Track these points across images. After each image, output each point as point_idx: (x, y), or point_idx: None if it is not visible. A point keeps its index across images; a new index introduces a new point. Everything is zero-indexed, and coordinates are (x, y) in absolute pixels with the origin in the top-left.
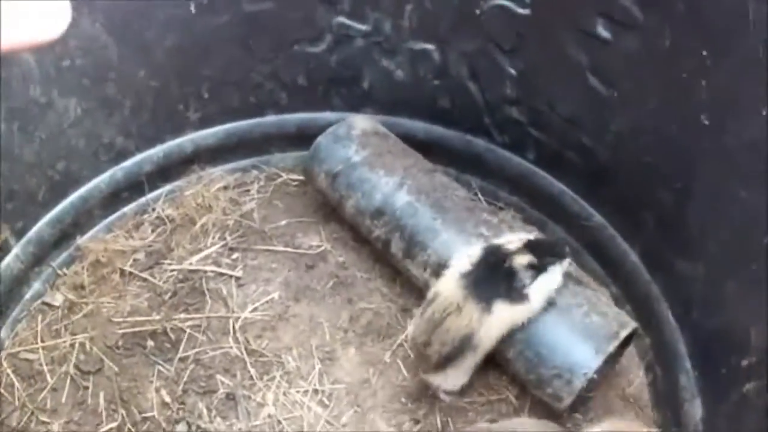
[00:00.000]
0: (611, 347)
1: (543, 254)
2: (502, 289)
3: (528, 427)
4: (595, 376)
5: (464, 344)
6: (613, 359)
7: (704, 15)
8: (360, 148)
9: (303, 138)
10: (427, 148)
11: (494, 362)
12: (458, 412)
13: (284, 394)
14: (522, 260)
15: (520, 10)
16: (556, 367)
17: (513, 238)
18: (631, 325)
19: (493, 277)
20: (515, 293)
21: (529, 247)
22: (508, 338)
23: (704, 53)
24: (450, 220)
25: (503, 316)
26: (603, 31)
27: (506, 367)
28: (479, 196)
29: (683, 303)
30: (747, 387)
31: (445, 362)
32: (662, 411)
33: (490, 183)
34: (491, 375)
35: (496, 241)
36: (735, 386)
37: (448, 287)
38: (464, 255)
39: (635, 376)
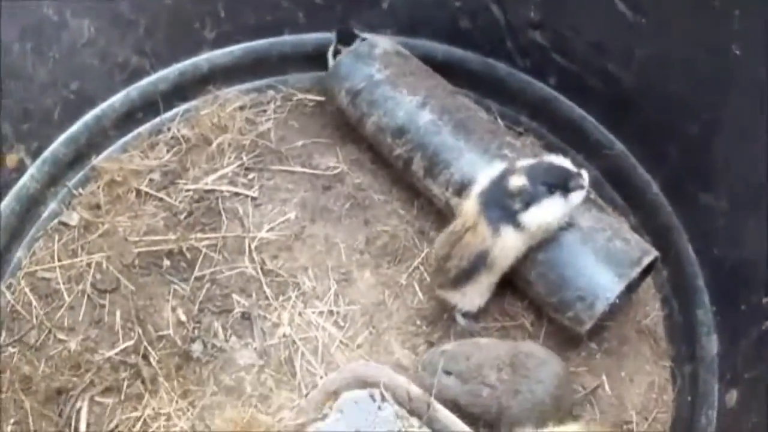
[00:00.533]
0: (634, 273)
1: (544, 182)
2: (507, 213)
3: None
4: (617, 300)
5: (479, 261)
6: (631, 288)
7: None
8: (382, 66)
9: (320, 58)
10: (446, 70)
11: (511, 287)
12: (472, 336)
13: (299, 314)
14: (516, 182)
15: None
16: (579, 290)
17: (528, 162)
18: (653, 253)
19: (501, 200)
20: (513, 219)
21: (531, 172)
22: (529, 261)
23: None
24: (474, 141)
25: (509, 239)
26: None
27: (526, 291)
28: (499, 120)
29: (704, 237)
30: (767, 324)
31: (462, 278)
32: (677, 345)
33: (511, 108)
34: (507, 301)
35: (518, 163)
36: (754, 324)
37: (469, 203)
38: (487, 173)
39: (651, 309)
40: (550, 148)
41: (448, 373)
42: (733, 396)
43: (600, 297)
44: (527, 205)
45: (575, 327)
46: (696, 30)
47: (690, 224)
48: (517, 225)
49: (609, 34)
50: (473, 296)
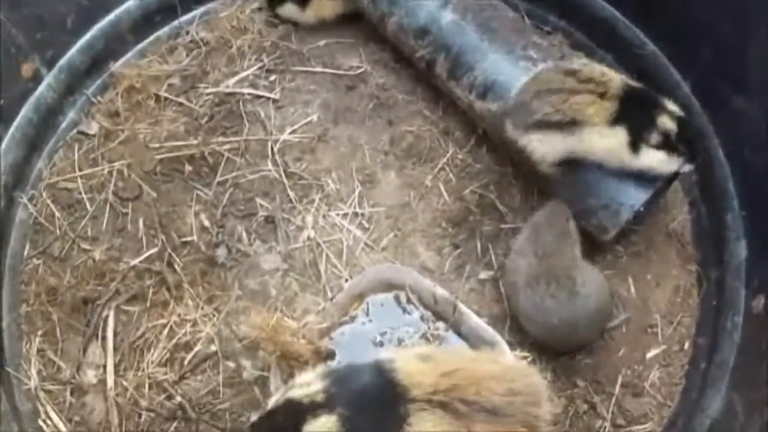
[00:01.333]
0: (660, 181)
1: (683, 141)
2: (638, 131)
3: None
4: (641, 209)
5: (578, 126)
6: (658, 194)
7: None
8: None
9: None
10: None
11: (538, 190)
12: (497, 238)
13: (323, 216)
14: (667, 124)
15: None
16: (604, 198)
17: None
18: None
19: (644, 119)
20: (637, 140)
21: (683, 125)
22: (558, 166)
23: None
24: (498, 41)
25: (614, 145)
26: None
27: (552, 194)
28: (526, 19)
29: (736, 140)
30: None
31: (546, 126)
32: (704, 249)
33: (539, 7)
34: (536, 200)
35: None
36: None
37: (617, 79)
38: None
39: (679, 212)
40: (579, 48)
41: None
42: (760, 302)
43: (625, 205)
44: (657, 147)
45: (599, 235)
46: None
47: (721, 127)
48: (634, 146)
49: None
50: (545, 148)
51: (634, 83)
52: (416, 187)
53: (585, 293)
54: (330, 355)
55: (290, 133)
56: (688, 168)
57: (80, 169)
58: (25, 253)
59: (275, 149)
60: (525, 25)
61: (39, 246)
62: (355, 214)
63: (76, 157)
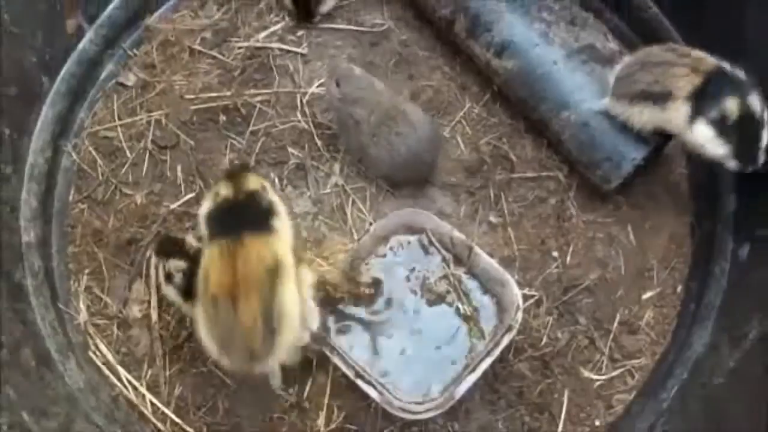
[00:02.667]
0: (659, 139)
1: (739, 134)
2: (703, 110)
3: None
4: (642, 162)
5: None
6: (658, 150)
7: None
8: None
9: None
10: None
11: (548, 143)
12: (509, 187)
13: (349, 165)
14: (731, 108)
15: None
16: (607, 151)
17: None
18: None
19: (717, 92)
20: (700, 116)
21: (746, 117)
22: (563, 121)
23: None
24: (515, 3)
25: (683, 125)
26: None
27: (559, 148)
28: None
29: None
30: None
31: (646, 97)
32: (698, 201)
33: None
34: (545, 153)
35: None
36: None
37: (710, 60)
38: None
39: (677, 166)
40: (588, 8)
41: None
42: (745, 250)
43: (627, 158)
44: (711, 124)
45: (603, 184)
46: None
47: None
48: (692, 118)
49: None
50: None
51: (729, 67)
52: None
53: (419, 122)
54: (377, 282)
55: (318, 87)
56: (734, 165)
57: (119, 119)
58: (71, 198)
59: (304, 101)
60: None
61: (83, 191)
62: None
63: (115, 107)
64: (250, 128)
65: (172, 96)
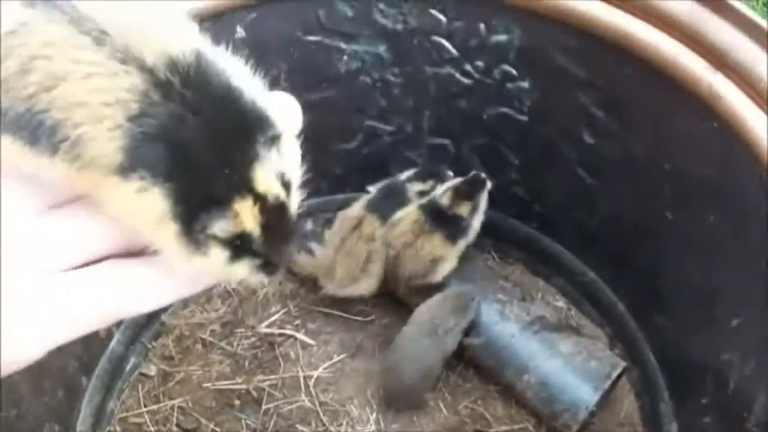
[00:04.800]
0: (606, 385)
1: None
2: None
3: None
4: (594, 409)
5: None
6: (609, 392)
7: (664, 136)
8: None
9: None
10: None
11: (515, 401)
12: None
13: None
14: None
15: (520, 117)
16: (565, 403)
17: None
18: (621, 365)
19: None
20: None
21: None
22: (525, 383)
23: (666, 166)
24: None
25: None
26: (587, 138)
27: (525, 403)
28: (493, 254)
29: (661, 347)
30: (705, 420)
31: None
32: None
33: (503, 244)
34: (514, 408)
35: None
36: (699, 416)
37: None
38: None
39: (628, 402)
40: (537, 274)
41: None
42: None
43: (581, 408)
44: None
45: (565, 431)
46: (638, 196)
47: (650, 337)
48: None
49: (573, 192)
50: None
51: None
52: (423, 408)
53: None
54: None
55: (317, 370)
56: None
57: (145, 406)
58: None
59: (310, 383)
60: (493, 272)
61: None
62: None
63: (140, 395)
64: (262, 410)
65: (191, 385)
